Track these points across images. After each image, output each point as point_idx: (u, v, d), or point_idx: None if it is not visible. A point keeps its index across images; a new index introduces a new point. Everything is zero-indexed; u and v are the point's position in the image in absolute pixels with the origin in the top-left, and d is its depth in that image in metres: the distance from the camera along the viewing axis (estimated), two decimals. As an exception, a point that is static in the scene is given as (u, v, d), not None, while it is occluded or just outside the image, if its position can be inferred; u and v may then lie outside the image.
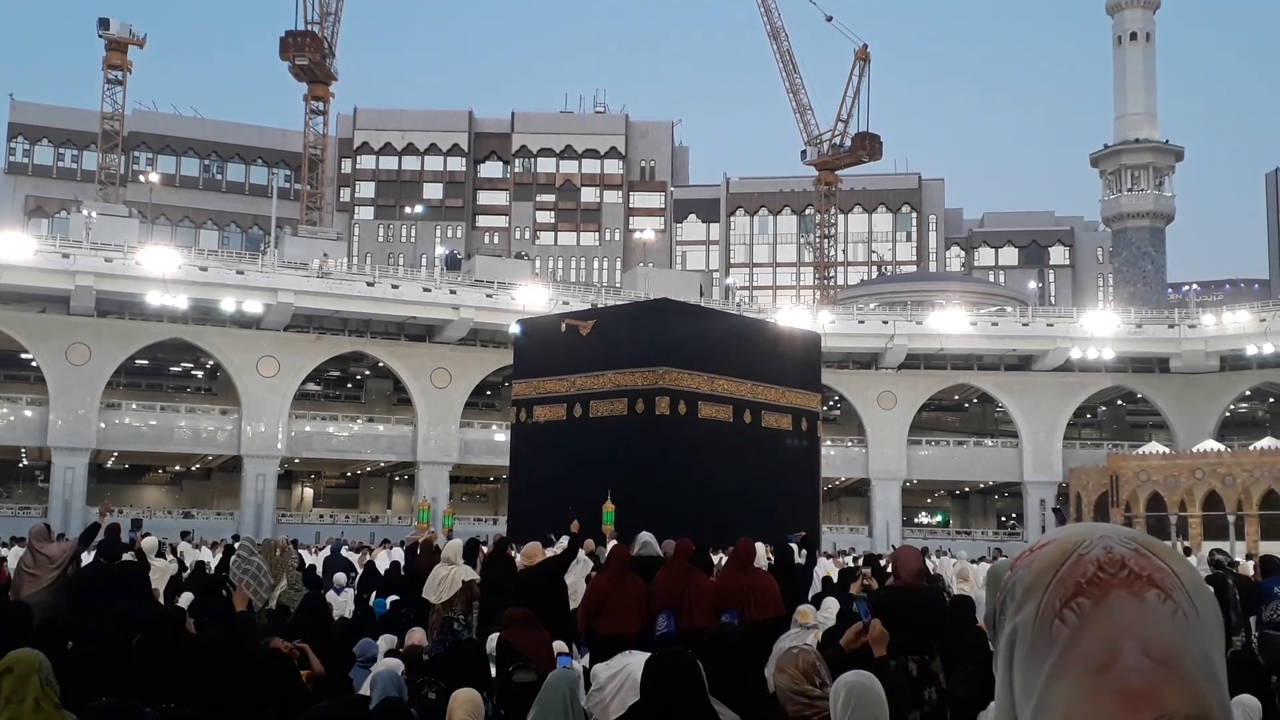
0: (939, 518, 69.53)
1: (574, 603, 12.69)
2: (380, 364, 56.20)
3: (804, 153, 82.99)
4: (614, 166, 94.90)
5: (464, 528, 39.13)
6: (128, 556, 13.90)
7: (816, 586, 15.66)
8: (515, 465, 32.35)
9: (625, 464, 26.06)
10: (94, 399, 49.84)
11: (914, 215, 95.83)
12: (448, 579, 12.78)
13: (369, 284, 53.19)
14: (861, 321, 60.26)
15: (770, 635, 9.37)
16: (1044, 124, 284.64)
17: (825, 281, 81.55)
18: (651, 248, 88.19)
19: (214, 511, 55.51)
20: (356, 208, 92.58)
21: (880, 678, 4.57)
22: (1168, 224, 76.63)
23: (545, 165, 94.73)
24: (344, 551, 24.62)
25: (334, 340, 54.01)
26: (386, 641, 9.49)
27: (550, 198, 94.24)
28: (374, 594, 16.56)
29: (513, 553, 14.86)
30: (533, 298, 52.97)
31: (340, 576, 18.49)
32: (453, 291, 54.06)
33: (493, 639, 8.87)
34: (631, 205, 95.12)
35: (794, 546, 16.84)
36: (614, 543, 17.48)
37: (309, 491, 65.03)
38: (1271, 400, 63.10)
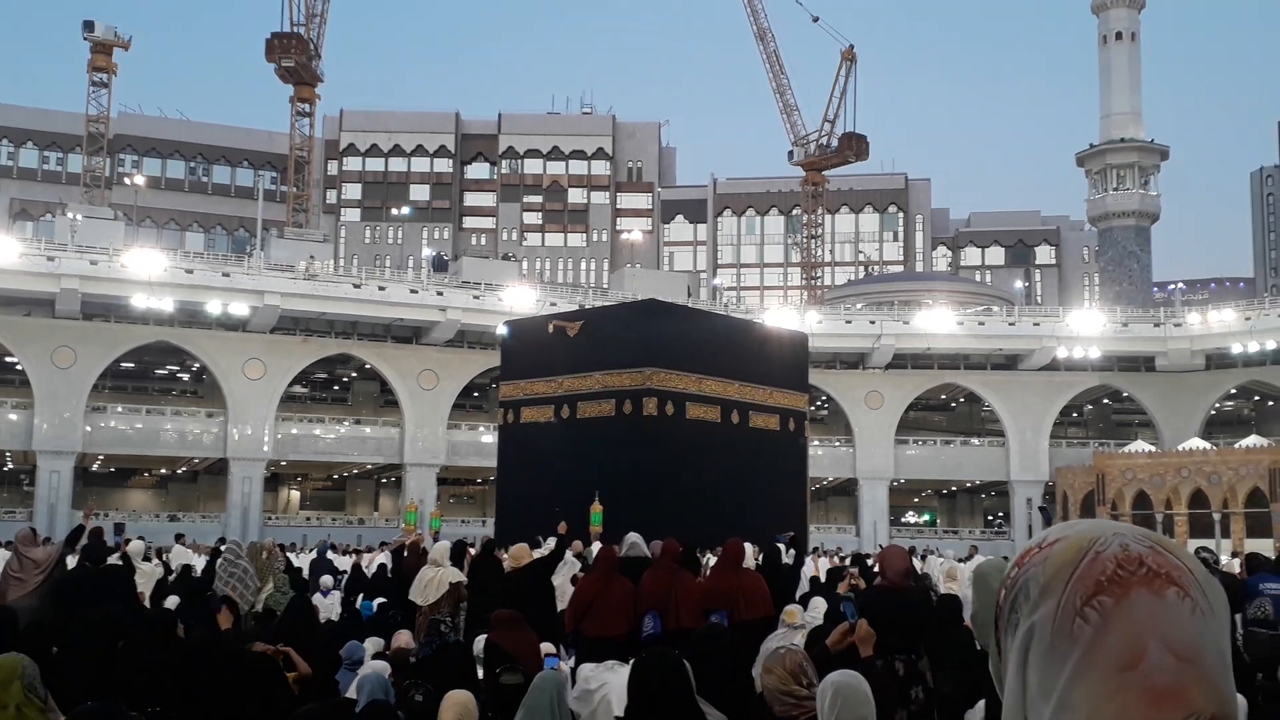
0: (926, 517, 69.66)
1: (561, 604, 12.69)
2: (367, 366, 56.09)
3: (791, 153, 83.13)
4: (601, 167, 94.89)
5: (451, 529, 39.11)
6: (113, 560, 13.87)
7: (804, 586, 15.66)
8: (503, 467, 32.30)
9: (613, 465, 26.03)
10: (79, 402, 49.63)
11: (901, 215, 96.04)
12: (434, 581, 12.76)
13: (355, 286, 53.07)
14: (848, 321, 60.35)
15: (759, 635, 9.38)
16: (1030, 124, 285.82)
17: (812, 282, 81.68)
18: (639, 248, 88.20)
19: (200, 514, 55.29)
20: (343, 209, 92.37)
21: (867, 677, 4.58)
22: (1153, 223, 76.92)
23: (532, 166, 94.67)
24: (330, 554, 24.57)
25: (320, 342, 53.88)
26: (373, 644, 9.47)
27: (537, 199, 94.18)
28: (361, 596, 16.53)
29: (500, 554, 14.84)
30: (520, 299, 52.91)
31: (327, 579, 18.44)
32: (440, 293, 53.98)
33: (480, 641, 8.87)
34: (619, 206, 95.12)
35: (781, 547, 16.85)
36: (596, 544, 17.50)
37: (296, 494, 64.87)
38: (1257, 398, 63.38)
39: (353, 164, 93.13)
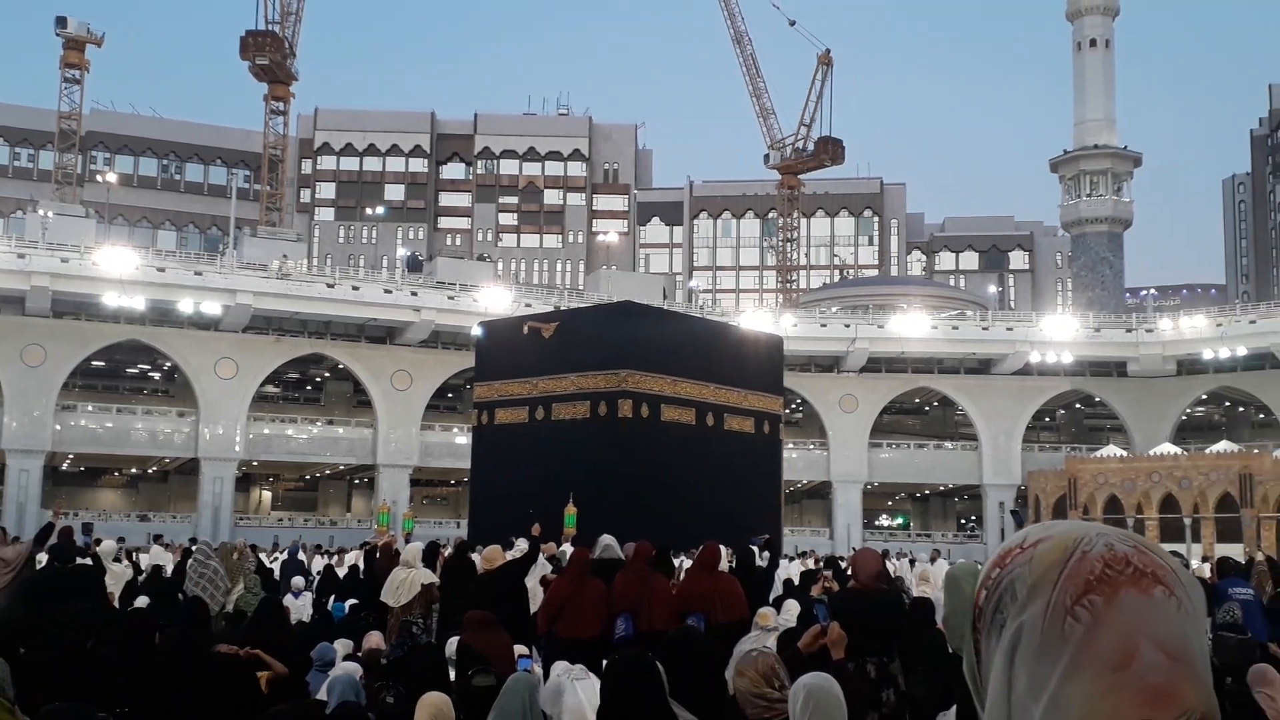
0: (899, 520, 69.89)
1: (532, 606, 12.66)
2: (340, 366, 55.84)
3: (767, 156, 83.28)
4: (577, 169, 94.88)
5: (425, 531, 38.90)
6: (83, 560, 13.74)
7: (778, 589, 15.67)
8: (476, 468, 32.23)
9: (587, 467, 26.03)
10: (49, 401, 49.21)
11: (876, 219, 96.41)
12: (406, 582, 12.71)
13: (329, 285, 52.84)
14: (823, 325, 60.50)
15: (732, 638, 9.37)
16: (1005, 129, 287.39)
17: (788, 285, 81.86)
18: (614, 250, 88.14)
19: (171, 514, 54.87)
20: (317, 209, 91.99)
21: (838, 680, 4.57)
22: (1126, 229, 77.47)
23: (508, 167, 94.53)
24: (301, 555, 24.44)
25: (293, 342, 53.60)
26: (344, 645, 9.41)
27: (513, 200, 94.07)
28: (332, 598, 16.44)
29: (474, 556, 14.79)
30: (495, 300, 52.79)
31: (298, 580, 18.33)
32: (414, 293, 53.80)
33: (452, 642, 8.83)
34: (594, 208, 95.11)
35: (755, 549, 16.86)
36: (567, 545, 17.48)
37: (267, 494, 64.51)
38: (1227, 404, 63.90)
39: (327, 163, 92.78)
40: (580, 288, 74.43)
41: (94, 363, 52.61)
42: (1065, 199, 77.61)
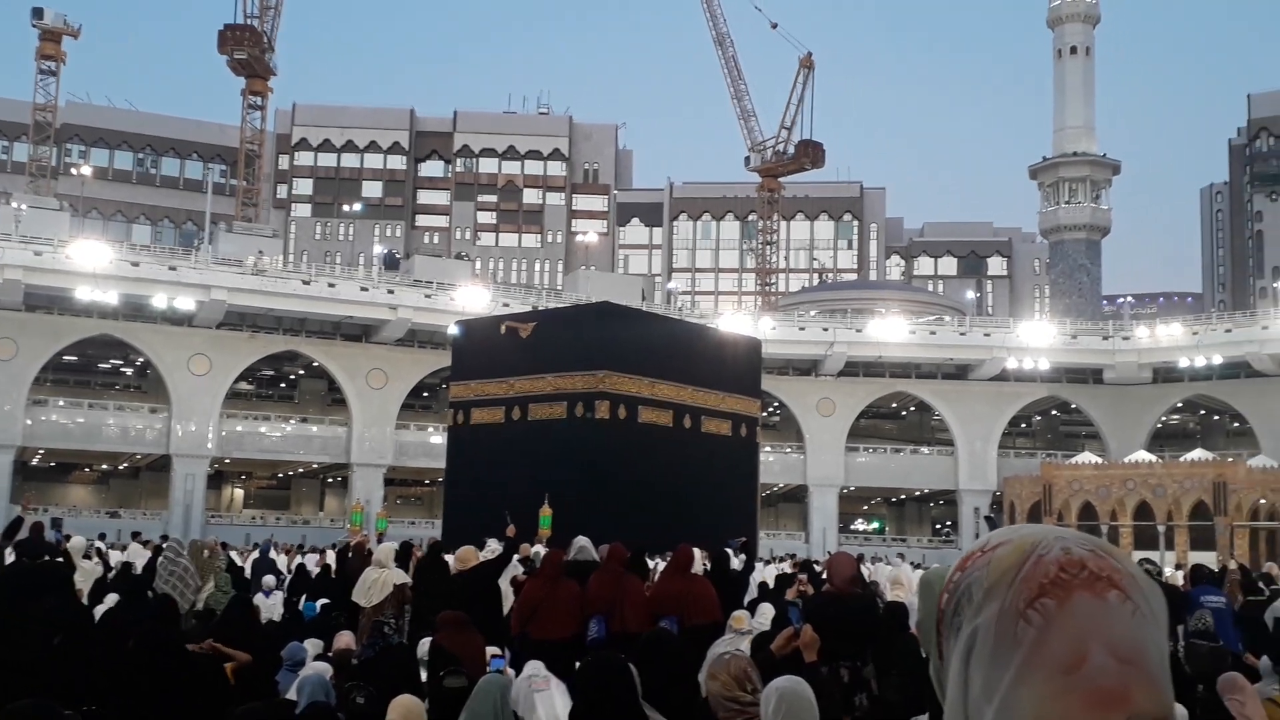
0: (875, 524, 70.07)
1: (506, 607, 12.59)
2: (315, 364, 55.56)
3: (747, 159, 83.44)
4: (557, 168, 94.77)
5: (398, 531, 38.74)
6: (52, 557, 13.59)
7: (753, 592, 15.63)
8: (451, 468, 32.10)
9: (564, 468, 25.95)
10: (20, 395, 48.79)
11: (855, 224, 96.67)
12: (378, 582, 12.62)
13: (305, 282, 52.57)
14: (802, 328, 60.61)
15: (707, 641, 9.31)
16: (985, 136, 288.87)
17: (767, 288, 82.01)
18: (593, 251, 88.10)
19: (142, 511, 54.48)
20: (293, 205, 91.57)
21: (811, 683, 4.53)
22: (1104, 237, 77.97)
23: (487, 165, 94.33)
24: (273, 553, 24.27)
25: (268, 339, 53.31)
26: (314, 645, 9.31)
27: (492, 198, 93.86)
28: (303, 597, 16.32)
29: (447, 556, 14.70)
30: (472, 299, 52.63)
31: (269, 579, 18.19)
32: (391, 291, 53.60)
33: (424, 643, 8.76)
34: (574, 208, 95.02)
35: (730, 552, 16.83)
36: (538, 546, 17.39)
37: (239, 492, 64.14)
38: (1202, 412, 64.31)
39: (304, 159, 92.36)
40: (559, 288, 74.33)
41: (66, 357, 52.22)
42: (1044, 206, 78.04)
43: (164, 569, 13.78)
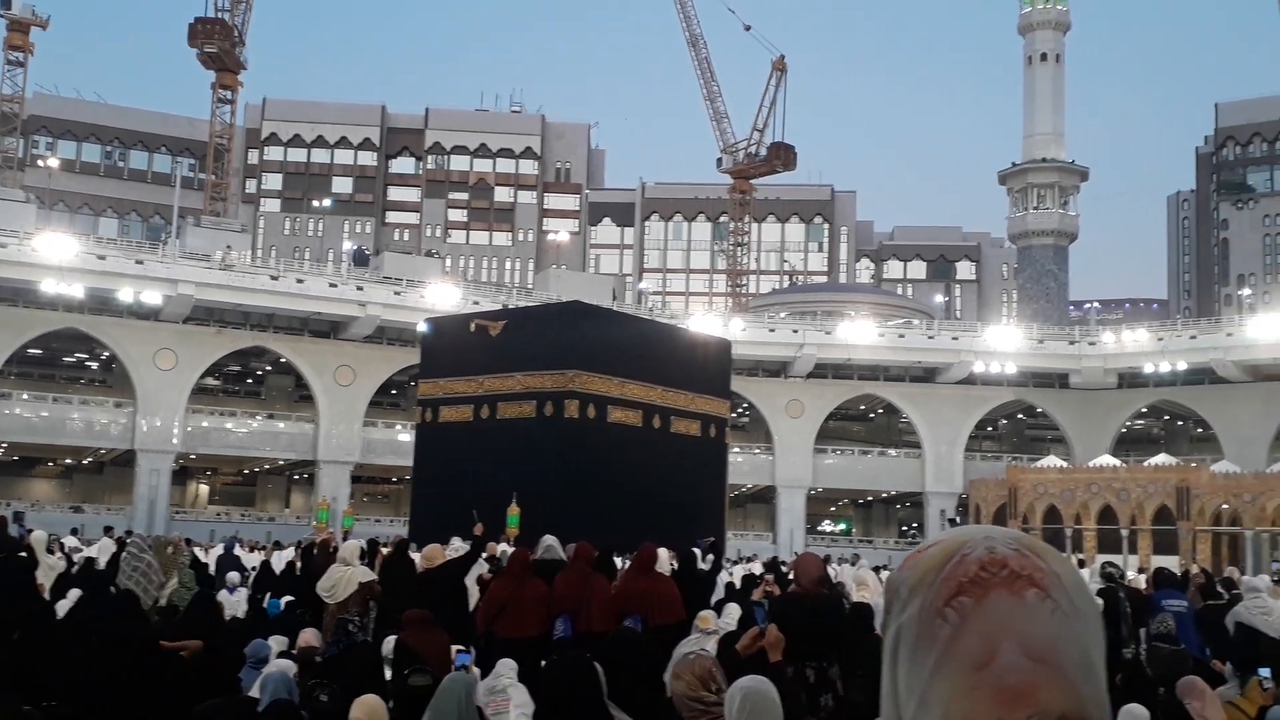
0: (842, 526, 70.32)
1: (472, 606, 12.56)
2: (282, 360, 55.21)
3: (720, 160, 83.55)
4: (529, 167, 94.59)
5: (365, 529, 38.62)
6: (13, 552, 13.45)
7: (720, 592, 15.65)
8: (419, 466, 31.95)
9: (532, 467, 25.89)
10: (-17, 388, 48.27)
11: (826, 226, 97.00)
12: (343, 580, 12.56)
13: (273, 278, 52.24)
14: (772, 330, 60.75)
15: (672, 640, 9.31)
16: (955, 141, 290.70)
17: (737, 289, 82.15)
18: (565, 250, 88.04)
19: (106, 506, 53.96)
20: (263, 199, 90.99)
21: (776, 683, 4.53)
22: (1071, 243, 78.61)
23: (459, 163, 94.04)
24: (237, 550, 24.09)
25: (235, 334, 52.95)
26: (278, 642, 9.26)
27: (463, 196, 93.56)
28: (268, 594, 16.22)
29: (413, 554, 14.65)
30: (442, 297, 52.47)
31: (233, 576, 18.06)
32: (360, 288, 53.35)
33: (389, 641, 8.73)
34: (545, 206, 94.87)
35: (698, 552, 16.84)
36: (504, 545, 17.36)
37: (204, 488, 63.66)
38: (1166, 418, 64.88)
39: (274, 154, 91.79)
40: (529, 286, 74.20)
41: (30, 350, 51.71)
42: (1012, 211, 78.59)
43: (127, 565, 13.69)
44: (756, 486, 61.63)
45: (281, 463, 59.13)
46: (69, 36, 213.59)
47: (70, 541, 26.27)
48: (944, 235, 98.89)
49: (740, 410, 58.06)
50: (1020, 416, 66.43)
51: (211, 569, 20.17)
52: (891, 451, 64.21)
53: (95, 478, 59.71)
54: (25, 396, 51.66)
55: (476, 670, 8.21)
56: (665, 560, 14.96)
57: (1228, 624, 13.08)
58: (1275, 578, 23.28)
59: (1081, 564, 34.68)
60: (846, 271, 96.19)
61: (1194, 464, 53.45)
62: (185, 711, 5.91)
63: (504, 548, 16.96)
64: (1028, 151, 77.41)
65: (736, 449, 52.07)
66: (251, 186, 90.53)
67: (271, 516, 58.22)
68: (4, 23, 67.85)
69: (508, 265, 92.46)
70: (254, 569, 21.27)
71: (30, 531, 16.89)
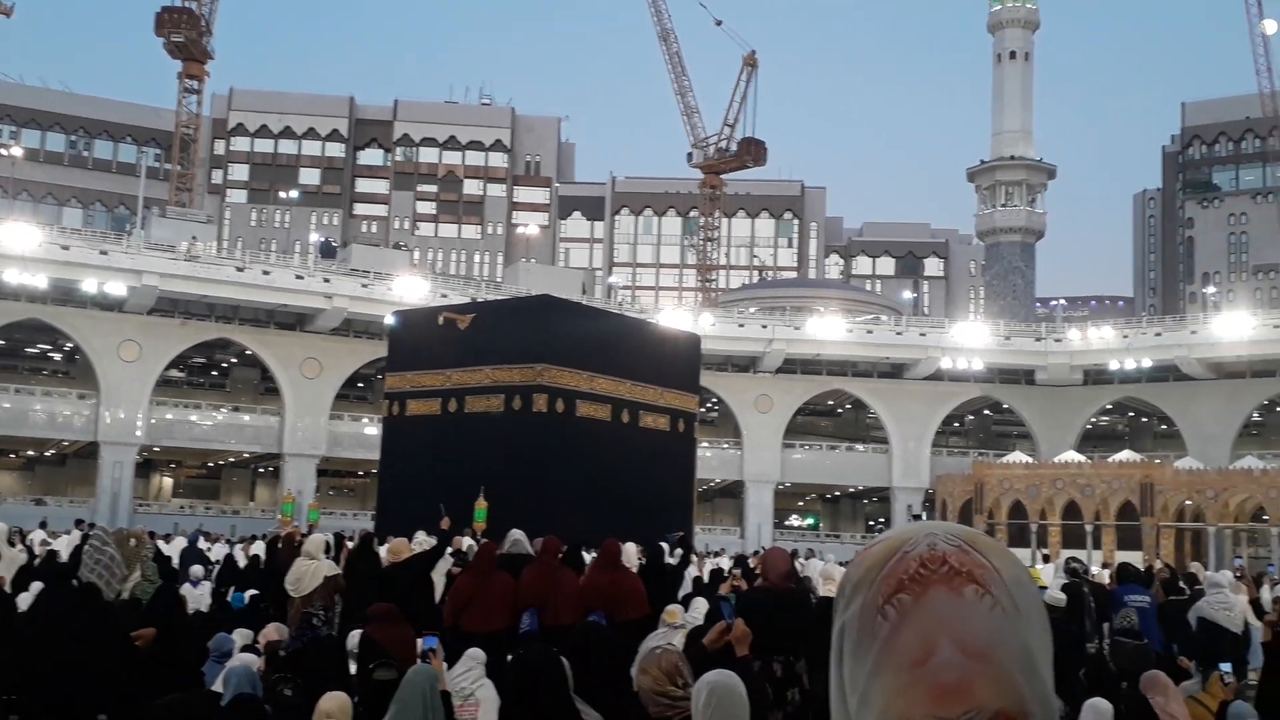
0: (809, 521, 70.53)
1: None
2: (248, 352, 54.83)
3: (690, 155, 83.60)
4: (498, 159, 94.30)
5: (331, 522, 38.42)
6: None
7: (687, 587, 15.66)
8: (386, 460, 31.76)
9: (500, 461, 25.77)
10: (-57, 379, 47.68)
11: (796, 222, 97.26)
12: (308, 573, 12.48)
13: (239, 269, 51.86)
14: (741, 325, 60.84)
15: (638, 635, 9.30)
16: (925, 138, 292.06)
17: (707, 284, 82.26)
18: (534, 243, 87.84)
19: (68, 499, 53.41)
20: (229, 190, 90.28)
21: (743, 677, 4.52)
22: (1038, 240, 79.18)
23: (428, 155, 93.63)
24: (202, 543, 23.91)
25: (200, 326, 52.52)
26: (242, 636, 9.19)
27: (432, 188, 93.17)
28: (232, 588, 16.10)
29: (379, 548, 14.56)
30: (410, 289, 52.24)
31: (197, 569, 17.93)
32: (326, 280, 53.04)
33: (354, 635, 8.69)
34: (515, 199, 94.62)
35: (665, 546, 16.83)
36: (467, 539, 17.30)
37: (168, 481, 63.15)
38: (1131, 414, 65.46)
39: (241, 144, 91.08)
40: (498, 280, 74.03)
41: (-8, 341, 51.10)
42: (980, 208, 79.06)
43: (90, 558, 13.53)
44: (725, 481, 61.74)
45: (246, 456, 58.71)
46: (33, 24, 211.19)
47: (39, 535, 26.00)
48: (912, 232, 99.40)
49: (709, 405, 58.13)
50: (987, 412, 66.85)
51: (175, 562, 20.01)
52: (859, 447, 64.50)
53: (58, 470, 59.12)
54: (-13, 387, 51.08)
55: (442, 653, 8.17)
56: (633, 555, 14.96)
57: (1190, 619, 13.22)
58: (1237, 574, 23.55)
59: (1046, 559, 34.97)
60: (816, 267, 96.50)
61: (1158, 460, 53.94)
62: (147, 705, 5.86)
63: (469, 542, 16.91)
64: (996, 149, 77.88)
65: (705, 444, 52.11)
66: (218, 177, 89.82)
67: (236, 510, 57.85)
68: (-34, 10, 67.05)
69: (476, 258, 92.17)
70: (218, 562, 21.14)
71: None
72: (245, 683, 6.52)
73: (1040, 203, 78.56)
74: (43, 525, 30.96)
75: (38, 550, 19.96)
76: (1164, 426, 62.46)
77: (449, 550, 14.66)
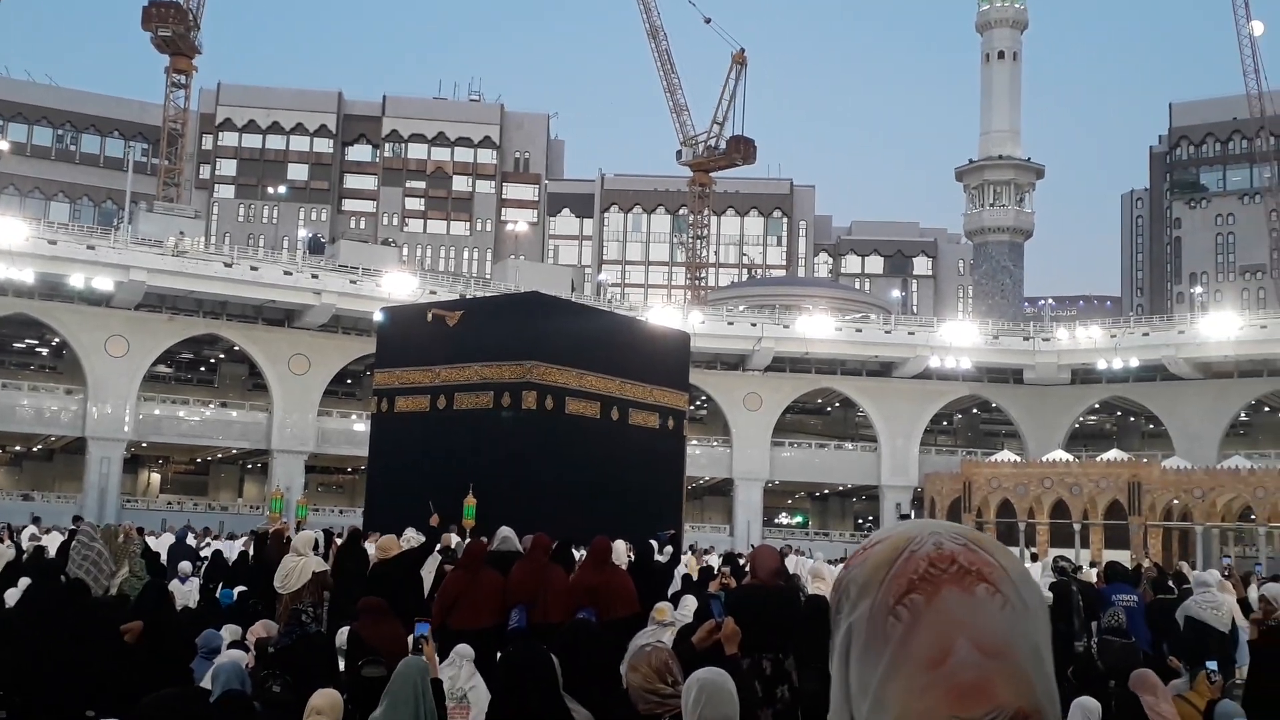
0: (798, 519, 70.63)
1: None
2: (236, 348, 54.69)
3: (679, 153, 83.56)
4: (487, 156, 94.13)
5: (319, 519, 38.40)
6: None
7: (676, 584, 15.66)
8: (374, 456, 31.72)
9: (489, 458, 25.75)
10: (-71, 374, 47.47)
11: (785, 220, 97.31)
12: (297, 570, 12.46)
13: (226, 265, 51.71)
14: (730, 323, 60.89)
15: (628, 632, 9.29)
16: (914, 137, 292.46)
17: (696, 282, 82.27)
18: (523, 240, 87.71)
19: (56, 495, 53.26)
20: (217, 186, 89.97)
21: (732, 675, 4.52)
22: (1027, 239, 79.34)
23: (416, 151, 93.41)
24: (190, 539, 23.84)
25: (187, 321, 52.38)
26: (230, 632, 9.17)
27: (420, 184, 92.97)
28: (220, 584, 16.07)
29: (368, 545, 14.54)
30: (399, 286, 52.15)
31: (185, 565, 17.88)
32: (315, 276, 52.91)
33: (343, 632, 8.67)
34: (504, 196, 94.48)
35: (655, 544, 16.83)
36: (455, 536, 17.29)
37: (156, 477, 62.96)
38: (1119, 413, 65.67)
39: (229, 139, 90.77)
40: (487, 277, 73.92)
41: (-22, 336, 50.92)
42: (969, 207, 79.21)
43: (77, 553, 13.49)
44: (714, 479, 61.78)
45: (235, 452, 58.62)
46: (20, 18, 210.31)
47: (30, 530, 25.91)
48: (901, 231, 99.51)
49: (698, 403, 58.19)
50: (975, 411, 67.01)
51: (163, 558, 19.97)
52: (848, 445, 64.61)
53: (45, 465, 58.92)
54: (-27, 383, 50.89)
55: (434, 643, 8.15)
56: (623, 552, 14.96)
57: (1178, 618, 13.25)
58: (1225, 573, 23.60)
59: (1034, 558, 35.08)
60: (805, 266, 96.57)
61: (1145, 460, 54.15)
62: (134, 701, 5.84)
63: (458, 539, 16.89)
64: (985, 149, 78.03)
65: (694, 441, 52.15)
66: (205, 172, 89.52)
67: (224, 506, 57.69)
68: (-47, 3, 66.73)
69: (465, 255, 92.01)
70: (205, 559, 21.08)
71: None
72: (234, 679, 6.50)
73: (1028, 202, 78.76)
74: (36, 521, 30.81)
75: (26, 546, 19.90)
76: (1151, 426, 62.67)
77: (438, 547, 14.64)
